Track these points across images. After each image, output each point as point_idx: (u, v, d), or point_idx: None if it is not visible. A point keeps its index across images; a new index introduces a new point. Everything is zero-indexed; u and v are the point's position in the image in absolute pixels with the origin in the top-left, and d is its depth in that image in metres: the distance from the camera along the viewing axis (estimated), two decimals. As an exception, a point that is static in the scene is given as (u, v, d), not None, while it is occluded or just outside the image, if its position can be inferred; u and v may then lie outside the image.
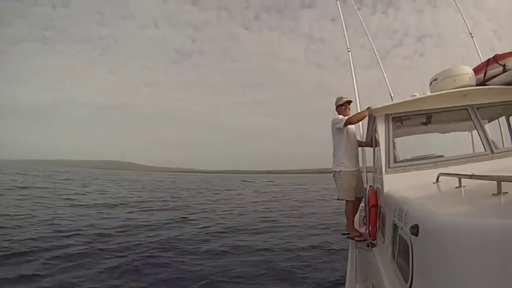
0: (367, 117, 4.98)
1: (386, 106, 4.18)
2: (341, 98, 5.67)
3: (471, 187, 2.42)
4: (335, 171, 5.54)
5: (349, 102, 5.69)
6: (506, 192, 1.80)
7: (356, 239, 4.84)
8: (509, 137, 4.60)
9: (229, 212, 15.47)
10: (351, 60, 6.14)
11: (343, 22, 6.59)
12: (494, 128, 4.59)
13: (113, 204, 16.75)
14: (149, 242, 8.39)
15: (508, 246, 1.25)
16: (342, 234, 5.52)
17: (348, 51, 6.26)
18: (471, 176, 2.17)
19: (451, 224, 1.64)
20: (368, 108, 4.54)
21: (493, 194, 1.83)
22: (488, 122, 4.56)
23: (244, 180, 65.66)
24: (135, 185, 36.97)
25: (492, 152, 3.81)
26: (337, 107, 5.70)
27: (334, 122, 5.47)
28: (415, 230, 1.93)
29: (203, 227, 11.03)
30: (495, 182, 1.86)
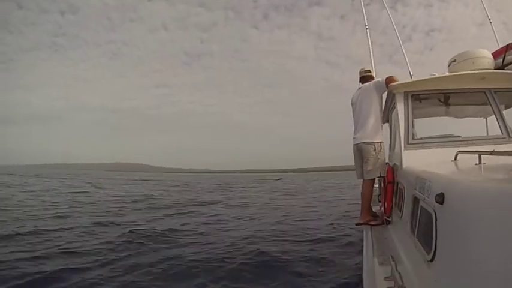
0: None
1: (406, 83, 4.17)
2: (369, 70, 5.33)
3: (491, 164, 2.38)
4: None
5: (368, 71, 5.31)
6: None
7: (373, 223, 4.57)
8: None
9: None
10: (369, 38, 6.05)
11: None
12: (509, 116, 4.51)
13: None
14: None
15: None
16: (357, 224, 5.03)
17: (366, 28, 6.17)
18: (491, 152, 2.13)
19: (478, 190, 1.62)
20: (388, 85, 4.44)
21: None
22: (505, 109, 4.48)
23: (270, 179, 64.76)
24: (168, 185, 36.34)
25: (509, 135, 3.79)
26: (364, 78, 5.23)
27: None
28: (440, 198, 1.89)
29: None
30: None
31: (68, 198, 17.43)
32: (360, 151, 4.93)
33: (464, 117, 5.36)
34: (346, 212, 12.03)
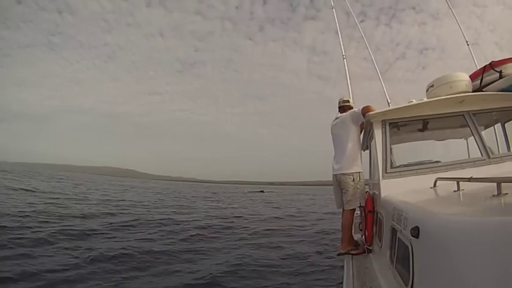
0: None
1: (383, 112, 4.15)
2: (348, 100, 5.29)
3: (470, 190, 2.38)
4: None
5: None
6: (507, 193, 1.75)
7: (354, 253, 4.52)
8: (504, 144, 4.59)
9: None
10: (346, 68, 6.03)
11: (338, 29, 6.54)
12: (490, 135, 4.55)
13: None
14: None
15: (507, 244, 1.23)
16: (338, 254, 4.87)
17: (344, 58, 6.15)
18: (470, 179, 2.13)
19: (453, 224, 1.61)
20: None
21: (493, 196, 1.78)
22: (484, 129, 4.54)
23: (262, 191, 66.14)
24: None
25: (489, 157, 3.79)
26: (343, 107, 5.22)
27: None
28: (415, 232, 1.89)
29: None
30: (494, 184, 1.81)
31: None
32: (339, 182, 4.89)
33: (444, 139, 5.38)
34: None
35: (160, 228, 11.54)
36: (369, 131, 4.70)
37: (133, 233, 10.48)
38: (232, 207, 23.37)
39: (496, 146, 4.54)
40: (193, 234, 10.77)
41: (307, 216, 19.43)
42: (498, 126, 4.73)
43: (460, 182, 2.38)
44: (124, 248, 7.85)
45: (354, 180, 4.72)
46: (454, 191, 2.39)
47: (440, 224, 1.71)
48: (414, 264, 2.00)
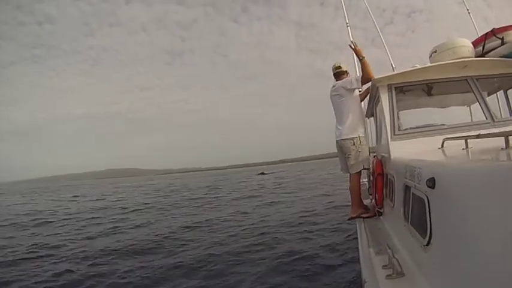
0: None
1: (389, 76, 4.22)
2: (340, 66, 5.28)
3: (478, 148, 2.42)
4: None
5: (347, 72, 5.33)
6: None
7: (365, 216, 4.65)
8: (507, 111, 4.65)
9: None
10: (350, 36, 5.96)
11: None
12: (493, 103, 4.52)
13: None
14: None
15: None
16: (349, 219, 5.10)
17: (347, 26, 6.12)
18: (478, 136, 2.16)
19: (468, 171, 1.64)
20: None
21: (502, 149, 1.81)
22: (487, 96, 4.52)
23: (262, 173, 65.29)
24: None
25: (493, 120, 3.85)
26: (338, 72, 5.26)
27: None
28: (431, 182, 1.92)
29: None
30: (502, 142, 1.84)
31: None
32: (341, 147, 5.08)
33: (448, 106, 5.41)
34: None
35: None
36: (375, 96, 4.76)
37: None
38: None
39: (499, 113, 4.56)
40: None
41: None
42: (501, 94, 4.78)
43: (468, 141, 2.43)
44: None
45: (354, 144, 4.89)
46: (463, 148, 2.45)
47: (456, 173, 1.75)
48: (432, 216, 2.04)
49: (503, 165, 1.46)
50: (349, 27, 6.05)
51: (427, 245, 2.07)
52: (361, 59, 4.81)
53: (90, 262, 6.78)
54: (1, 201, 30.12)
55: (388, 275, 2.23)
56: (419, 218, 2.35)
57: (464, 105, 5.12)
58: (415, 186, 2.50)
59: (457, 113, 5.38)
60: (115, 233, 10.11)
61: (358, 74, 5.14)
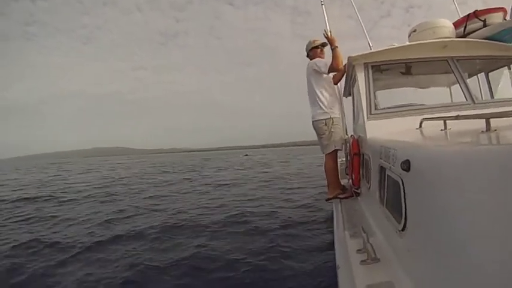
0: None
1: (365, 54, 4.13)
2: (314, 41, 5.23)
3: (457, 129, 2.36)
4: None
5: (324, 44, 5.19)
6: (495, 130, 1.69)
7: (342, 196, 4.67)
8: (488, 94, 4.60)
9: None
10: (325, 15, 5.72)
11: None
12: (474, 85, 4.49)
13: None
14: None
15: (504, 171, 1.16)
16: (327, 200, 5.11)
17: (322, 4, 5.94)
18: (457, 117, 2.08)
19: (444, 154, 1.59)
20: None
21: (482, 132, 1.73)
22: (468, 77, 4.48)
23: (246, 155, 70.01)
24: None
25: (474, 102, 3.80)
26: (310, 50, 5.24)
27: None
28: (406, 165, 1.88)
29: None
30: (483, 124, 1.75)
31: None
32: (315, 128, 5.10)
33: (428, 87, 5.36)
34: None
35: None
36: (351, 75, 4.69)
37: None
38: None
39: (480, 95, 4.53)
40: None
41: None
42: (482, 76, 4.74)
43: (447, 122, 2.34)
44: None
45: (326, 124, 4.90)
46: (441, 129, 2.37)
47: (431, 155, 1.70)
48: (406, 199, 1.99)
49: (481, 149, 1.39)
50: (323, 6, 5.87)
51: (402, 230, 2.03)
52: (333, 48, 4.78)
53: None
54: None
55: (362, 261, 2.19)
56: (394, 201, 2.30)
57: (444, 86, 5.07)
58: (390, 168, 2.45)
59: (437, 94, 5.35)
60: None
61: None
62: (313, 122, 5.07)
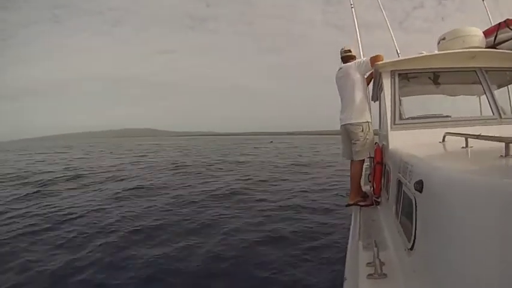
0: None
1: (393, 62, 4.09)
2: (350, 50, 5.00)
3: (478, 148, 2.34)
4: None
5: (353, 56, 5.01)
6: None
7: (362, 204, 4.56)
8: None
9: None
10: (354, 18, 5.65)
11: None
12: (503, 96, 4.41)
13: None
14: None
15: (506, 207, 1.20)
16: (347, 205, 4.92)
17: (352, 7, 5.83)
18: (478, 136, 2.08)
19: (456, 181, 1.58)
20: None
21: (501, 156, 1.72)
22: (497, 88, 4.41)
23: (271, 141, 69.44)
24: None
25: (500, 116, 3.74)
26: (345, 58, 5.00)
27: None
28: (419, 186, 1.90)
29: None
30: (503, 143, 1.74)
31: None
32: (347, 132, 4.86)
33: (457, 95, 5.25)
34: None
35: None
36: (378, 81, 4.63)
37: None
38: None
39: (509, 107, 4.39)
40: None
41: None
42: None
43: (469, 139, 2.35)
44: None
45: (363, 130, 4.66)
46: (462, 147, 2.37)
47: (444, 180, 1.69)
48: (417, 219, 2.01)
49: (491, 181, 1.39)
50: (353, 9, 5.75)
51: (411, 249, 2.06)
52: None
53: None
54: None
55: (369, 274, 2.19)
56: (407, 218, 2.34)
57: (473, 95, 4.92)
58: (406, 184, 2.46)
59: (467, 101, 5.20)
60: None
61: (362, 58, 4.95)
62: (346, 125, 4.83)
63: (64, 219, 7.71)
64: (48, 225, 7.17)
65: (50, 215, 8.17)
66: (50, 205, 9.32)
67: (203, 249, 5.63)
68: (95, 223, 7.33)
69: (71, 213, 8.20)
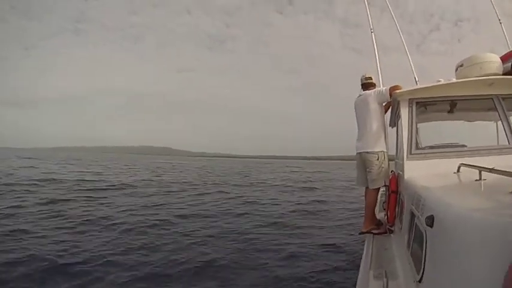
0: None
1: (410, 90, 4.14)
2: (371, 77, 5.10)
3: (491, 181, 2.33)
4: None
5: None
6: None
7: (375, 232, 4.60)
8: None
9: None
10: (374, 42, 5.78)
11: (366, 1, 6.23)
12: None
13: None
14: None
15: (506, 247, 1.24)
16: (360, 233, 4.96)
17: (371, 32, 5.87)
18: (491, 170, 2.11)
19: (466, 219, 1.58)
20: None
21: (511, 193, 1.74)
22: None
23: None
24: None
25: None
26: (365, 85, 5.06)
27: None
28: (430, 221, 1.92)
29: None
30: None
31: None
32: (363, 160, 4.91)
33: (474, 120, 5.23)
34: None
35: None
36: (396, 109, 4.68)
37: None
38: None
39: None
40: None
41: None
42: None
43: (482, 172, 2.35)
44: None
45: (378, 159, 4.72)
46: (476, 180, 2.36)
47: (454, 217, 1.71)
48: (427, 253, 2.03)
49: (500, 221, 1.43)
50: (373, 34, 5.79)
51: (420, 281, 2.07)
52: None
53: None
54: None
55: None
56: (418, 250, 2.35)
57: (491, 120, 4.87)
58: (418, 217, 2.47)
59: (483, 128, 5.18)
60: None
61: (380, 83, 5.11)
62: (362, 153, 4.88)
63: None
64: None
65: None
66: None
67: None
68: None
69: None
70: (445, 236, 1.75)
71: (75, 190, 15.39)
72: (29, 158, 50.48)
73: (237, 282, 5.35)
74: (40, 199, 11.96)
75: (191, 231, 8.35)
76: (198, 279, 5.35)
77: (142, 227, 8.58)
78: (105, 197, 13.47)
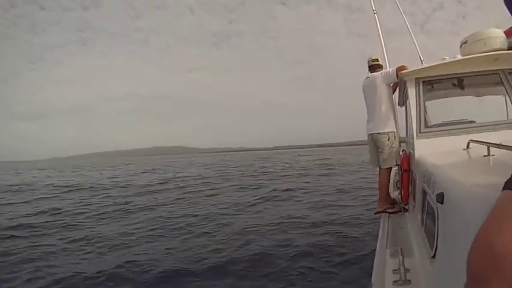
0: None
1: (416, 70, 4.16)
2: (377, 59, 5.16)
3: (500, 156, 2.34)
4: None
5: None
6: None
7: (390, 211, 4.64)
8: None
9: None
10: (378, 24, 5.74)
11: None
12: None
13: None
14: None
15: None
16: (376, 213, 5.03)
17: (374, 13, 5.84)
18: (499, 146, 2.13)
19: (475, 195, 1.60)
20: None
21: None
22: None
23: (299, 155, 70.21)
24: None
25: None
26: (372, 67, 5.12)
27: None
28: (440, 198, 1.95)
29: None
30: None
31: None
32: (374, 141, 5.00)
33: (483, 95, 5.21)
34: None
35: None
36: (403, 89, 4.69)
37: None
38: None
39: None
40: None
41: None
42: None
43: (491, 147, 2.36)
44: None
45: (389, 139, 4.81)
46: (485, 155, 2.35)
47: (463, 194, 1.73)
48: (439, 229, 2.06)
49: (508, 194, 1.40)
50: (376, 15, 5.79)
51: (433, 257, 2.11)
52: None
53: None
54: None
55: (394, 281, 2.27)
56: (430, 227, 2.38)
57: (499, 94, 4.80)
58: (429, 194, 2.50)
59: (492, 102, 5.12)
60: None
61: (388, 67, 5.06)
62: (373, 134, 4.97)
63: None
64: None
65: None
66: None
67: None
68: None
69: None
70: (455, 212, 1.78)
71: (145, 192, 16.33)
72: (59, 171, 45.67)
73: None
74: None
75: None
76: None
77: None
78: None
